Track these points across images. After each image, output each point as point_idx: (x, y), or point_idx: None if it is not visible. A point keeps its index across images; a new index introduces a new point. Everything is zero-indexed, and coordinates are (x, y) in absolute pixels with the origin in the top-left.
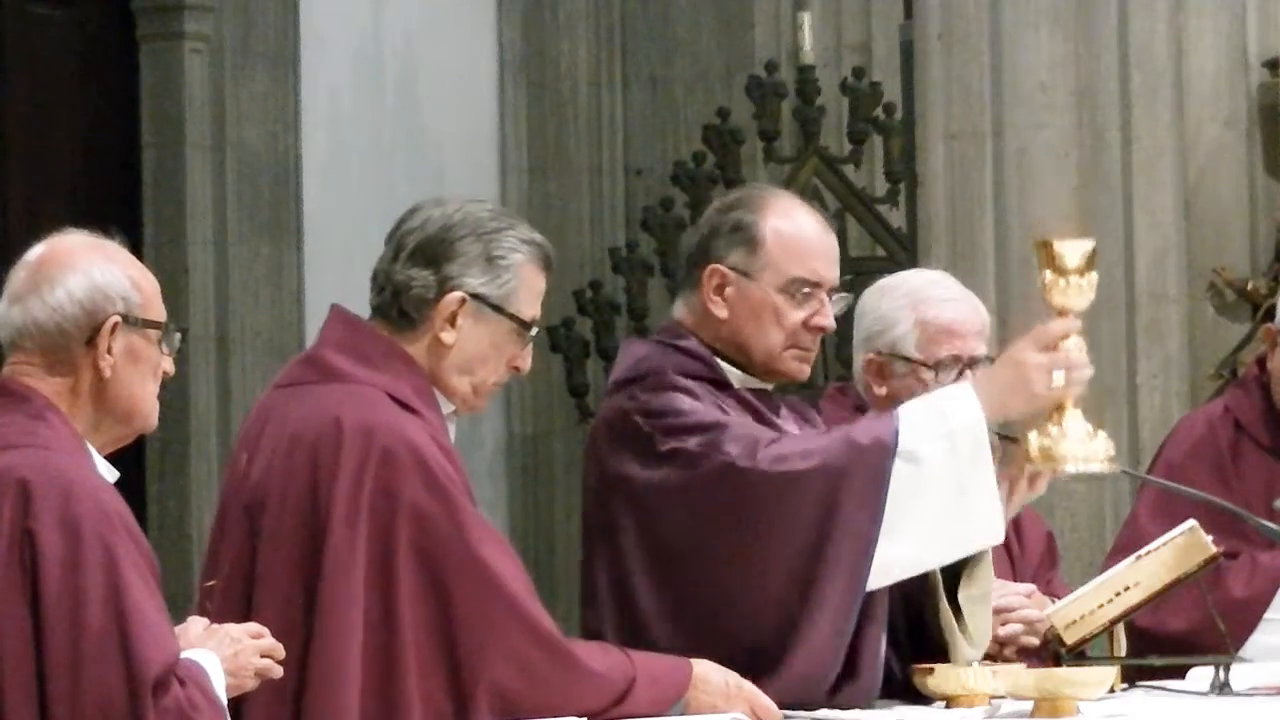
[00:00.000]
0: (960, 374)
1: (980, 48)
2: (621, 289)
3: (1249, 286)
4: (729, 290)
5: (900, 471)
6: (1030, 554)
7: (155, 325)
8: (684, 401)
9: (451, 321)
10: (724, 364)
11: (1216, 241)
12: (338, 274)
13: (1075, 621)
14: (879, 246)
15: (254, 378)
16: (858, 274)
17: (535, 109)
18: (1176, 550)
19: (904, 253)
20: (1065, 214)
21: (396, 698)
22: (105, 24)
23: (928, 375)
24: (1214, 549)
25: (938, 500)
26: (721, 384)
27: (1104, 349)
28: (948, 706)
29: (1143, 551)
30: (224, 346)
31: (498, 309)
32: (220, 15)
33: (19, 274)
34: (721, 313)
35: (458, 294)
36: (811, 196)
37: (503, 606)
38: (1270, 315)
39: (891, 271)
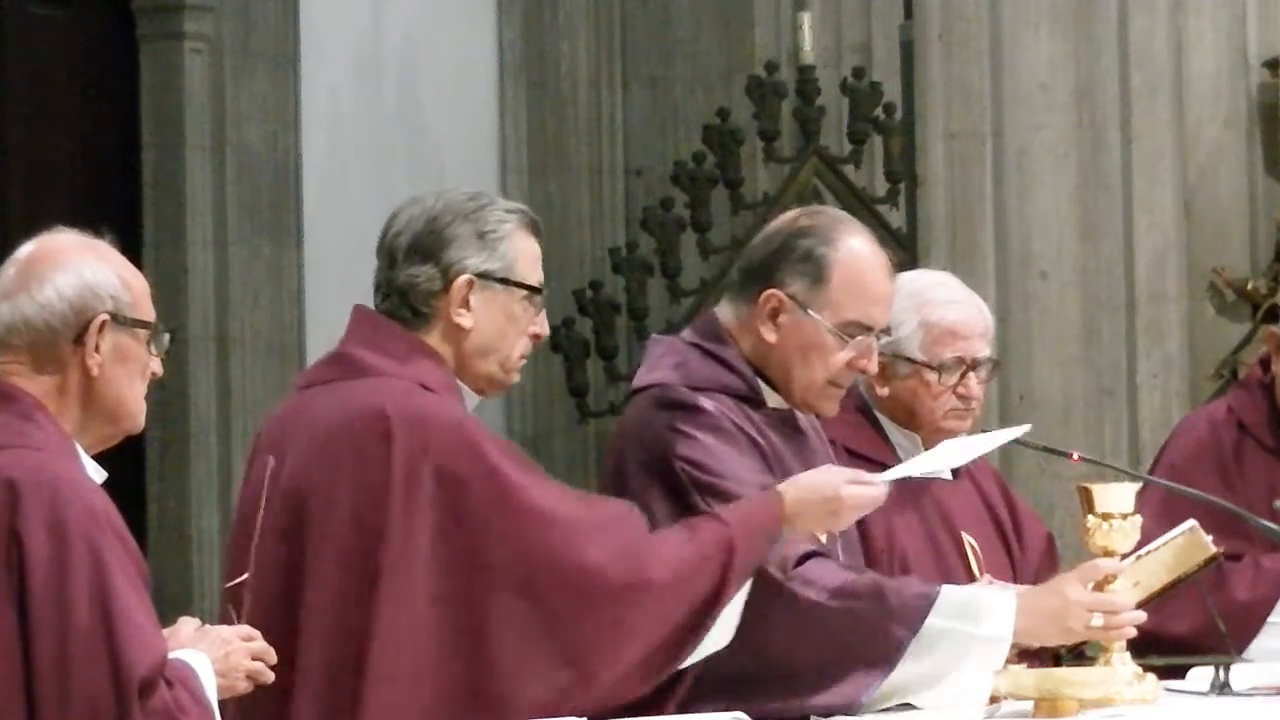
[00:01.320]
0: (963, 375)
1: (980, 48)
2: (621, 289)
3: (1249, 286)
4: (783, 317)
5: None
6: (1030, 555)
7: (144, 325)
8: (723, 455)
9: (464, 305)
10: (762, 383)
11: (1216, 241)
12: (338, 274)
13: None
14: None
15: (254, 378)
16: None
17: (535, 109)
18: (1176, 550)
19: (904, 253)
20: (1065, 214)
21: (487, 671)
22: (105, 24)
23: (931, 377)
24: (1214, 549)
25: (918, 682)
26: (756, 402)
27: (1104, 349)
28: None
29: (1143, 551)
30: (224, 346)
31: (505, 281)
32: (220, 15)
33: (8, 271)
34: (771, 337)
35: (464, 277)
36: (811, 196)
37: (577, 570)
38: (1271, 316)
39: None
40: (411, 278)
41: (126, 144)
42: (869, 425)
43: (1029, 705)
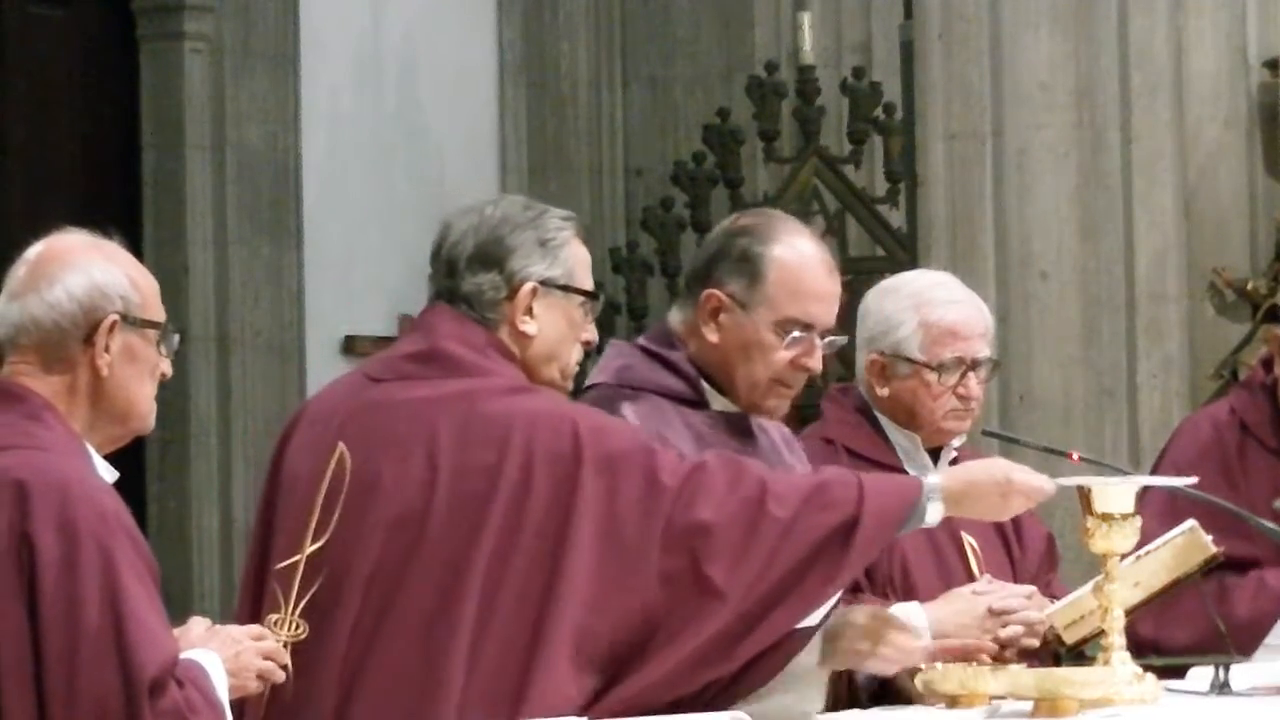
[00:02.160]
0: (963, 376)
1: (980, 48)
2: (621, 289)
3: (1249, 286)
4: (723, 316)
5: None
6: (1030, 555)
7: (154, 325)
8: None
9: (529, 312)
10: (707, 385)
11: (1216, 241)
12: (338, 274)
13: (1075, 621)
14: (879, 246)
15: (254, 377)
16: (858, 274)
17: (535, 109)
18: (1176, 550)
19: (904, 253)
20: (1065, 214)
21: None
22: (105, 24)
23: (931, 377)
24: (1214, 548)
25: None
26: (698, 404)
27: (1104, 349)
28: (948, 707)
29: (1142, 551)
30: (224, 346)
31: (565, 288)
32: (220, 15)
33: (18, 271)
34: (713, 337)
35: (530, 284)
36: (811, 196)
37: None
38: (1271, 316)
39: (892, 271)
40: (476, 285)
41: (126, 144)
42: (869, 426)
43: (1029, 705)
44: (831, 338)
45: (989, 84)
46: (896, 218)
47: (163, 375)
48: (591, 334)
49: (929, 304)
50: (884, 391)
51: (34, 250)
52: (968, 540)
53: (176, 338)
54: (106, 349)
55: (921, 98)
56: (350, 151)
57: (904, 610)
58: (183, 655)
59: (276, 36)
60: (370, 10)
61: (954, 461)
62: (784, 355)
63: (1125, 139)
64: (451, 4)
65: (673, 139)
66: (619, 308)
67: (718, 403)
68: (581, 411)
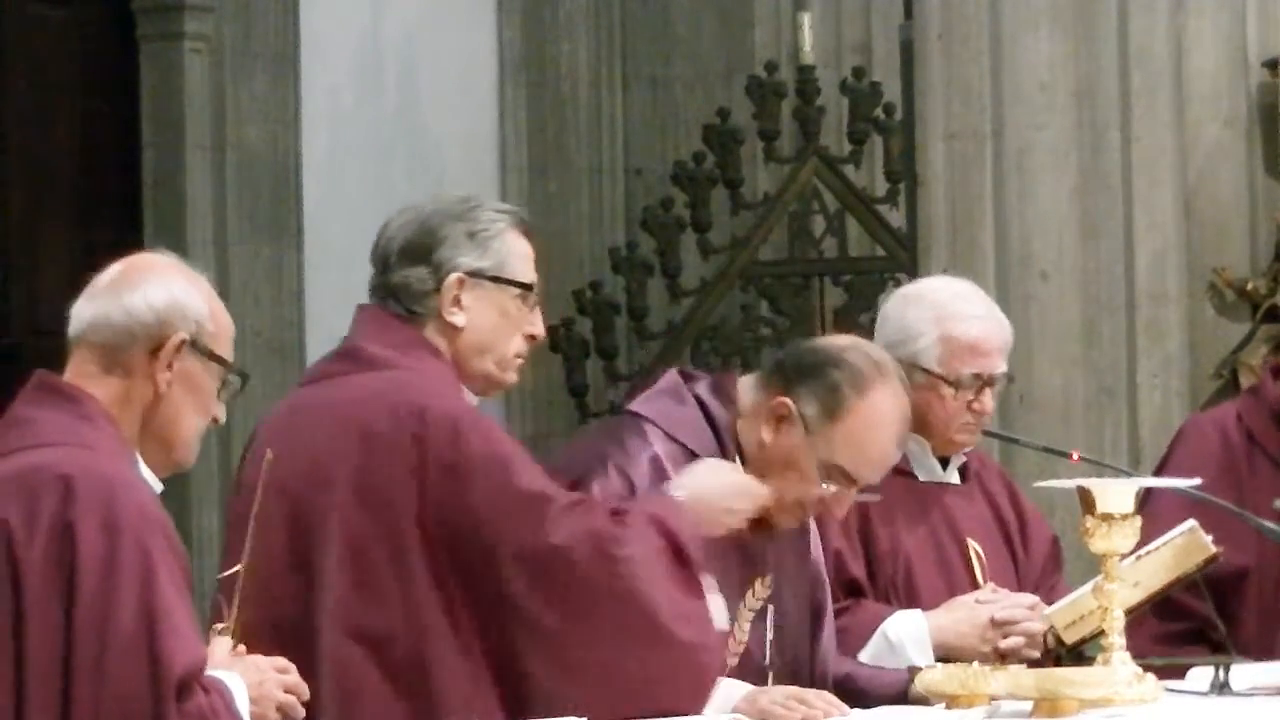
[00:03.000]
0: (979, 391)
1: (980, 48)
2: (621, 289)
3: (1249, 286)
4: (785, 426)
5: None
6: (1035, 558)
7: (220, 362)
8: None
9: (456, 304)
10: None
11: (1216, 241)
12: (338, 274)
13: (1075, 621)
14: (879, 246)
15: (254, 378)
16: (858, 273)
17: (535, 109)
18: (1176, 550)
19: (904, 253)
20: (1065, 214)
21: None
22: (105, 24)
23: (947, 391)
24: (1213, 548)
25: None
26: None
27: (1104, 349)
28: (947, 707)
29: (1143, 551)
30: None
31: (496, 279)
32: (220, 15)
33: (103, 277)
34: (767, 437)
35: (455, 275)
36: (811, 196)
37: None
38: (1271, 316)
39: (891, 271)
40: (404, 278)
41: (126, 144)
42: None
43: (1029, 705)
44: (867, 495)
45: (989, 84)
46: (896, 218)
47: (214, 420)
48: (536, 328)
49: (951, 318)
50: None
51: (123, 260)
52: (973, 546)
53: (238, 384)
54: (169, 366)
55: (921, 98)
56: (350, 151)
57: (905, 619)
58: (209, 672)
59: (276, 36)
60: (370, 10)
61: (962, 466)
62: (817, 493)
63: (1125, 139)
64: (451, 4)
65: (673, 139)
66: (619, 308)
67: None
68: (441, 404)
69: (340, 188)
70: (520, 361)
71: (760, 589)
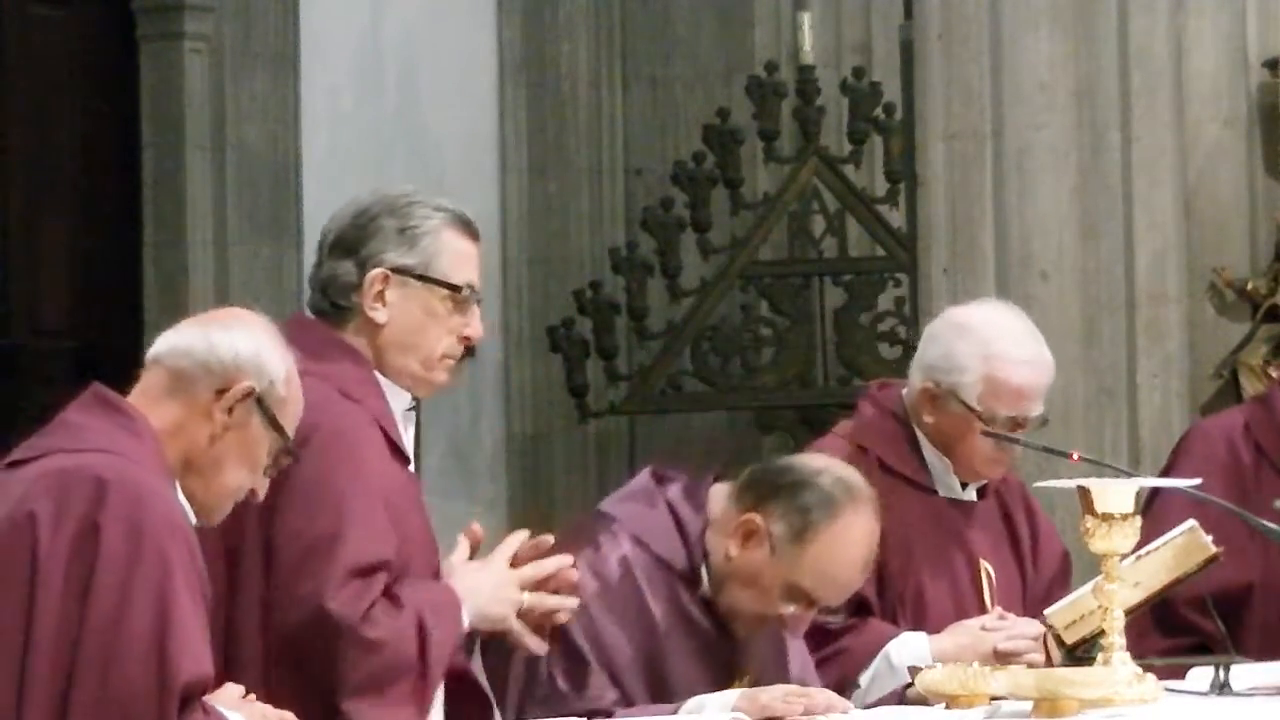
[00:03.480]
0: (1010, 430)
1: (980, 48)
2: (621, 289)
3: (1249, 286)
4: (753, 544)
5: None
6: (1043, 573)
7: (278, 428)
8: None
9: (379, 299)
10: (705, 571)
11: (1216, 241)
12: None
13: (1075, 621)
14: (879, 246)
15: None
16: (858, 274)
17: (535, 109)
18: (1176, 550)
19: (904, 253)
20: (1065, 214)
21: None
22: (105, 24)
23: (980, 426)
24: (1213, 548)
25: None
26: (691, 581)
27: (1104, 349)
28: (947, 707)
29: (1143, 551)
30: None
31: (422, 277)
32: (220, 15)
33: (207, 314)
34: (734, 552)
35: (379, 270)
36: (811, 196)
37: None
38: (1271, 315)
39: (891, 271)
40: (333, 271)
41: (126, 144)
42: (906, 441)
43: (1029, 705)
44: (827, 616)
45: (989, 84)
46: (896, 218)
47: (253, 492)
48: (472, 330)
49: (998, 358)
50: (929, 420)
51: (234, 308)
52: (984, 567)
53: (286, 462)
54: (229, 410)
55: (921, 98)
56: (350, 151)
57: (908, 643)
58: (216, 705)
59: (276, 36)
60: (370, 10)
61: (981, 489)
62: (779, 610)
63: (1125, 139)
64: (451, 4)
65: (673, 139)
66: (619, 308)
67: (703, 586)
68: None
69: (340, 188)
70: (450, 362)
71: (743, 687)
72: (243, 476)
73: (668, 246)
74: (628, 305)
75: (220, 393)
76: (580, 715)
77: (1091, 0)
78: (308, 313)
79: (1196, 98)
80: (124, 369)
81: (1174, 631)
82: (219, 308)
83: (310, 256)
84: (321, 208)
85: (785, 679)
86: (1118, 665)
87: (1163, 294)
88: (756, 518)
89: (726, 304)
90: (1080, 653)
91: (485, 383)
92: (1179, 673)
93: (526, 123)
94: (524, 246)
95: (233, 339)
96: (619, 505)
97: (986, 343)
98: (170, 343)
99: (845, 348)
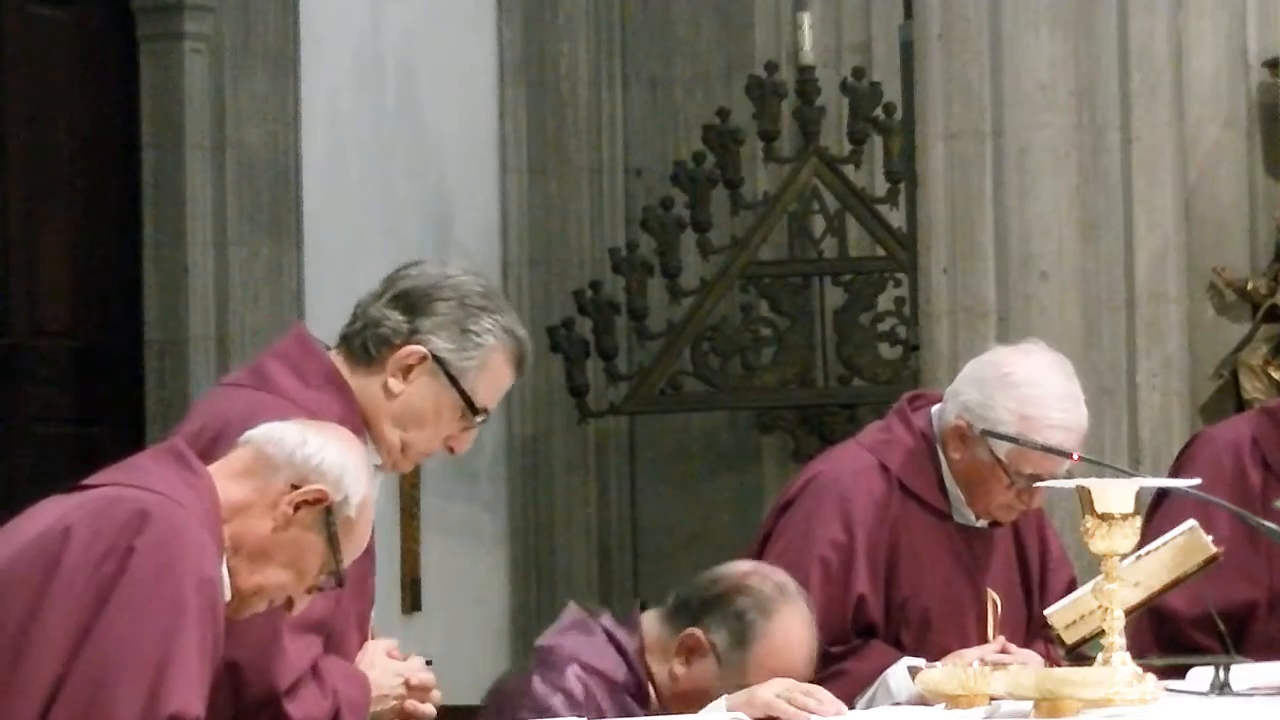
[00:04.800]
0: (1030, 481)
1: (980, 48)
2: (621, 289)
3: (1249, 286)
4: (697, 661)
5: None
6: (1050, 598)
7: (335, 548)
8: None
9: (405, 374)
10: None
11: (1216, 241)
12: (338, 274)
13: (1075, 621)
14: (879, 246)
15: None
16: (858, 274)
17: (535, 109)
18: (1176, 550)
19: (904, 253)
20: (1065, 214)
21: None
22: (105, 24)
23: (1004, 478)
24: (1214, 548)
25: None
26: (640, 698)
27: (1104, 349)
28: (947, 707)
29: (1143, 551)
30: (224, 346)
31: (453, 380)
32: (220, 15)
33: (316, 421)
34: (680, 671)
35: (420, 349)
36: (811, 196)
37: None
38: (1271, 316)
39: (891, 271)
40: (382, 316)
41: (126, 144)
42: (931, 464)
43: (1029, 705)
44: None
45: (989, 84)
46: (896, 218)
47: (290, 600)
48: (459, 444)
49: (1034, 420)
50: (956, 455)
51: (333, 425)
52: (991, 597)
53: (330, 582)
54: (295, 507)
55: (921, 98)
56: (350, 151)
57: (908, 671)
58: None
59: (276, 36)
60: (370, 10)
61: (993, 522)
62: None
63: (1125, 139)
64: (451, 4)
65: (673, 139)
66: (619, 308)
67: (653, 703)
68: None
69: (340, 188)
70: (421, 459)
71: None
72: (285, 579)
73: (668, 246)
74: (628, 305)
75: (294, 487)
76: None
77: (1091, 0)
78: (309, 329)
79: (1196, 98)
80: (124, 369)
81: (1178, 651)
82: (219, 307)
83: (310, 256)
84: (321, 208)
85: None
86: (1118, 665)
87: (1163, 294)
88: (696, 631)
89: (726, 304)
90: (1080, 652)
91: None
92: (1179, 673)
93: (526, 123)
94: (524, 246)
95: (325, 445)
96: (556, 638)
97: (1026, 402)
98: (267, 430)
99: (845, 348)
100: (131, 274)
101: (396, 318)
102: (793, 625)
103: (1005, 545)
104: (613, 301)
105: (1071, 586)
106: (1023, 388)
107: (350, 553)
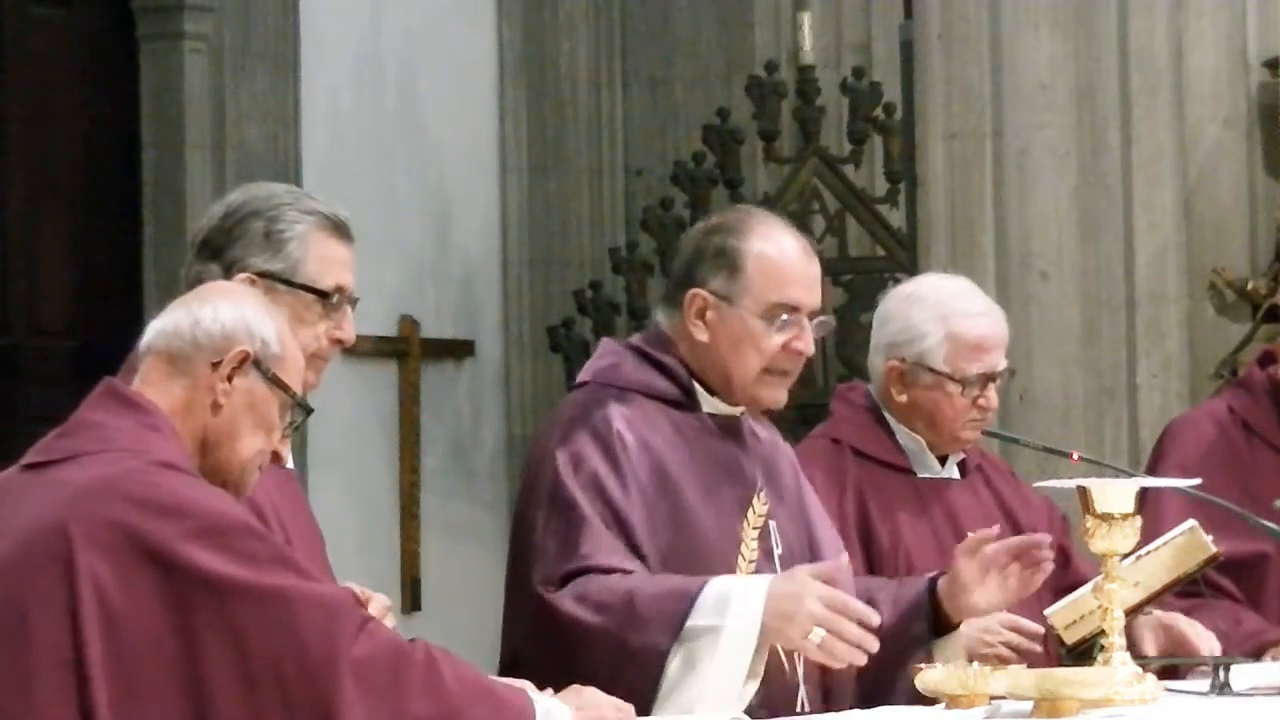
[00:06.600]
0: (984, 387)
1: (980, 48)
2: (621, 289)
3: (1249, 286)
4: (710, 314)
5: (675, 655)
6: (1043, 530)
7: (283, 387)
8: (588, 473)
9: None
10: (700, 388)
11: (1216, 241)
12: None
13: (1075, 621)
14: (879, 246)
15: None
16: (858, 274)
17: (535, 109)
18: (1176, 550)
19: (904, 253)
20: (1065, 214)
21: None
22: (105, 24)
23: (954, 389)
24: (1214, 549)
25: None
26: (690, 406)
27: (1104, 349)
28: (948, 707)
29: (1143, 551)
30: None
31: (288, 282)
32: (220, 15)
33: (183, 296)
34: (702, 336)
35: (244, 275)
36: (811, 196)
37: None
38: (1271, 315)
39: (891, 271)
40: (197, 275)
41: (126, 144)
42: (877, 426)
43: (1029, 705)
44: (821, 319)
45: (989, 84)
46: (896, 218)
47: (276, 454)
48: (344, 332)
49: (955, 315)
50: (902, 398)
51: (205, 284)
52: (973, 536)
53: (301, 417)
54: (229, 378)
55: (921, 98)
56: (350, 151)
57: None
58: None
59: (276, 36)
60: (370, 10)
61: (961, 463)
62: (775, 341)
63: (1125, 139)
64: (451, 4)
65: (673, 139)
66: (619, 308)
67: (709, 405)
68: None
69: (340, 188)
70: (322, 363)
71: (759, 505)
72: (259, 441)
73: (668, 246)
74: (628, 305)
75: (216, 364)
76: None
77: (1091, 0)
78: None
79: (1196, 98)
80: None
81: (1197, 593)
82: None
83: None
84: None
85: (798, 512)
86: (1118, 665)
87: (1163, 294)
88: (697, 290)
89: None
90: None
91: (485, 383)
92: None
93: (526, 123)
94: (524, 246)
95: (216, 310)
96: (587, 372)
97: (940, 304)
98: (158, 329)
99: (845, 347)
100: (131, 274)
101: (211, 267)
102: (770, 231)
103: (980, 493)
104: (613, 301)
105: (1052, 512)
106: (932, 295)
107: (296, 378)
